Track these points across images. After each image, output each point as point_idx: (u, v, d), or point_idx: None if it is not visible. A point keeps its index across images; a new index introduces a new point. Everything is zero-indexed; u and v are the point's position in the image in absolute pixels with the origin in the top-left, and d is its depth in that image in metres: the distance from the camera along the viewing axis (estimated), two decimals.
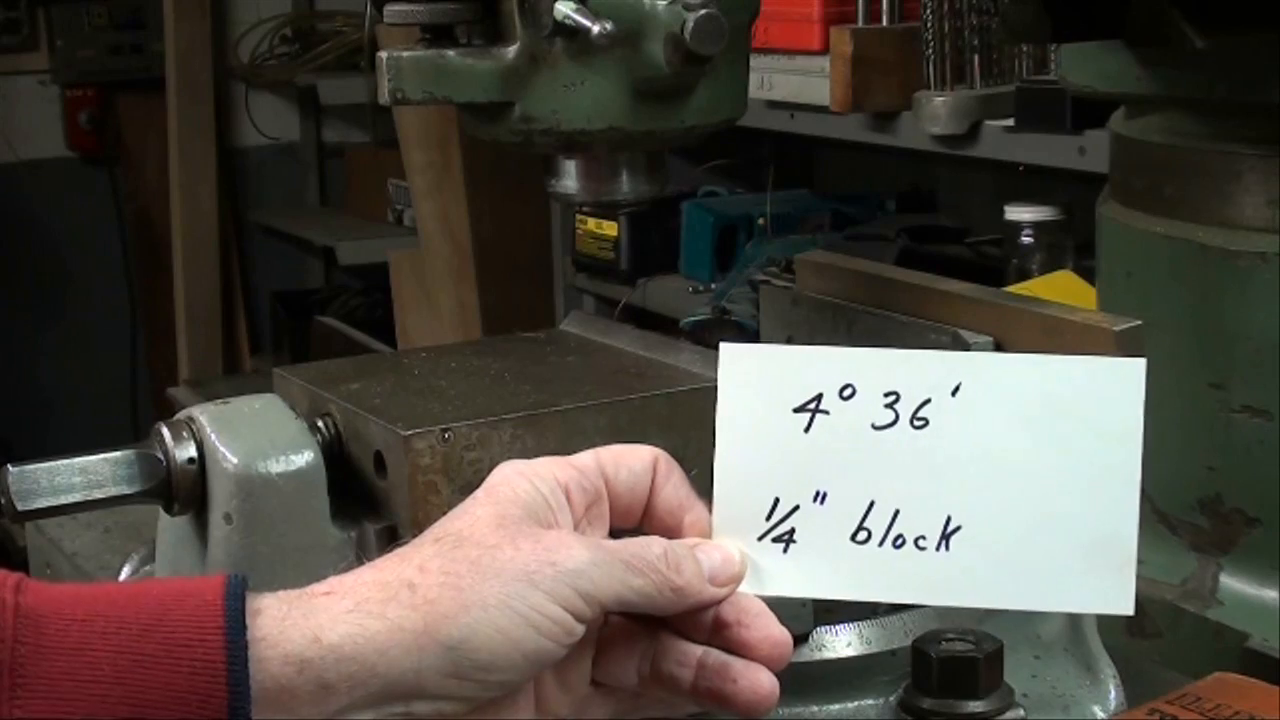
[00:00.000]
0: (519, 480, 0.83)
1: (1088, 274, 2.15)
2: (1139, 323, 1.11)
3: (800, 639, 1.06)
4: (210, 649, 0.73)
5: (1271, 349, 1.35)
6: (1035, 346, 1.15)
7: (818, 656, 1.06)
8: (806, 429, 0.85)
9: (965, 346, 1.14)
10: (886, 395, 0.85)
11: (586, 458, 0.86)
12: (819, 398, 0.85)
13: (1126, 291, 1.48)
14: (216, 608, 0.75)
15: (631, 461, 0.86)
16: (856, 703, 1.05)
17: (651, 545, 0.82)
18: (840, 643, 1.06)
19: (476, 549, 0.78)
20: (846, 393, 0.85)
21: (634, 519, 0.87)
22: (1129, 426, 0.83)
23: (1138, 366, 0.84)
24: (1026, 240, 2.65)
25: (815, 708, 1.05)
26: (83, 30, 4.67)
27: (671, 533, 0.86)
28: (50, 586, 0.76)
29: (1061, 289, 2.32)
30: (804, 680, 0.99)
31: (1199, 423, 1.41)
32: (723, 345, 0.87)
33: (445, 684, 0.75)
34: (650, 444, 1.04)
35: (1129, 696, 1.13)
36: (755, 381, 0.86)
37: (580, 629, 0.78)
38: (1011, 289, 2.32)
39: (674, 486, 0.87)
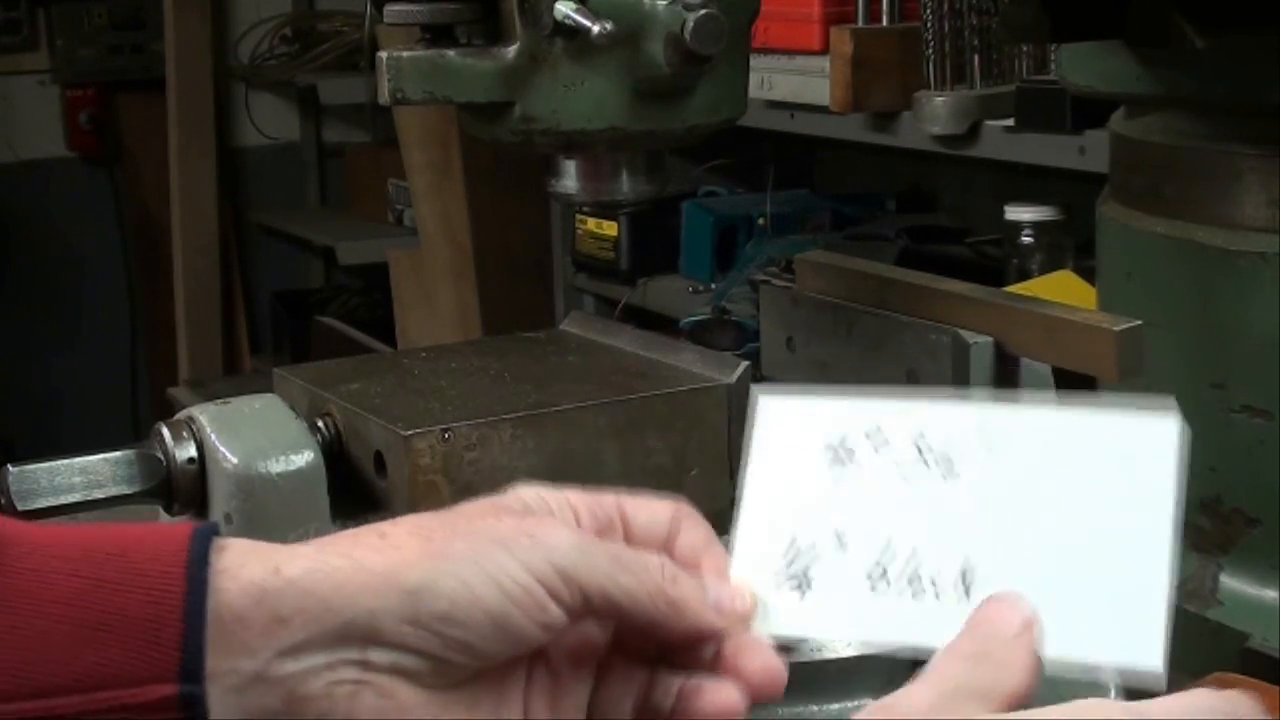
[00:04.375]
0: (526, 489, 0.81)
1: (1088, 274, 2.15)
2: (1139, 323, 1.11)
3: (800, 639, 1.06)
4: (170, 579, 0.72)
5: (1271, 349, 1.35)
6: (1035, 346, 1.15)
7: (818, 656, 1.06)
8: (835, 476, 0.85)
9: (965, 346, 1.14)
10: (917, 444, 0.84)
11: (606, 493, 0.84)
12: (850, 446, 0.84)
13: (1126, 291, 1.48)
14: (181, 542, 0.74)
15: (652, 505, 0.84)
16: (856, 702, 1.05)
17: (650, 555, 0.80)
18: (840, 643, 1.06)
19: (457, 516, 0.78)
20: (877, 441, 0.84)
21: None
22: (1162, 485, 0.81)
23: (1170, 426, 0.83)
24: (1026, 240, 2.65)
25: (815, 707, 1.05)
26: (83, 30, 4.67)
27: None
28: (23, 522, 0.76)
29: (1061, 289, 2.32)
30: (804, 680, 0.99)
31: (1199, 423, 1.40)
32: (759, 396, 0.86)
33: (401, 630, 0.73)
34: (650, 444, 1.05)
35: (1129, 696, 1.13)
36: (789, 430, 0.85)
37: (555, 611, 0.75)
38: (1011, 289, 2.32)
39: (694, 532, 0.84)
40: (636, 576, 0.77)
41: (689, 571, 0.82)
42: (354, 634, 0.74)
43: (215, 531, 0.75)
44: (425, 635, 0.74)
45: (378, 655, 0.74)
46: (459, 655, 0.74)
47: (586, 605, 0.77)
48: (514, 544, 0.75)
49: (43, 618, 0.71)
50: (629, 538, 0.82)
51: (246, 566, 0.74)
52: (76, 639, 0.71)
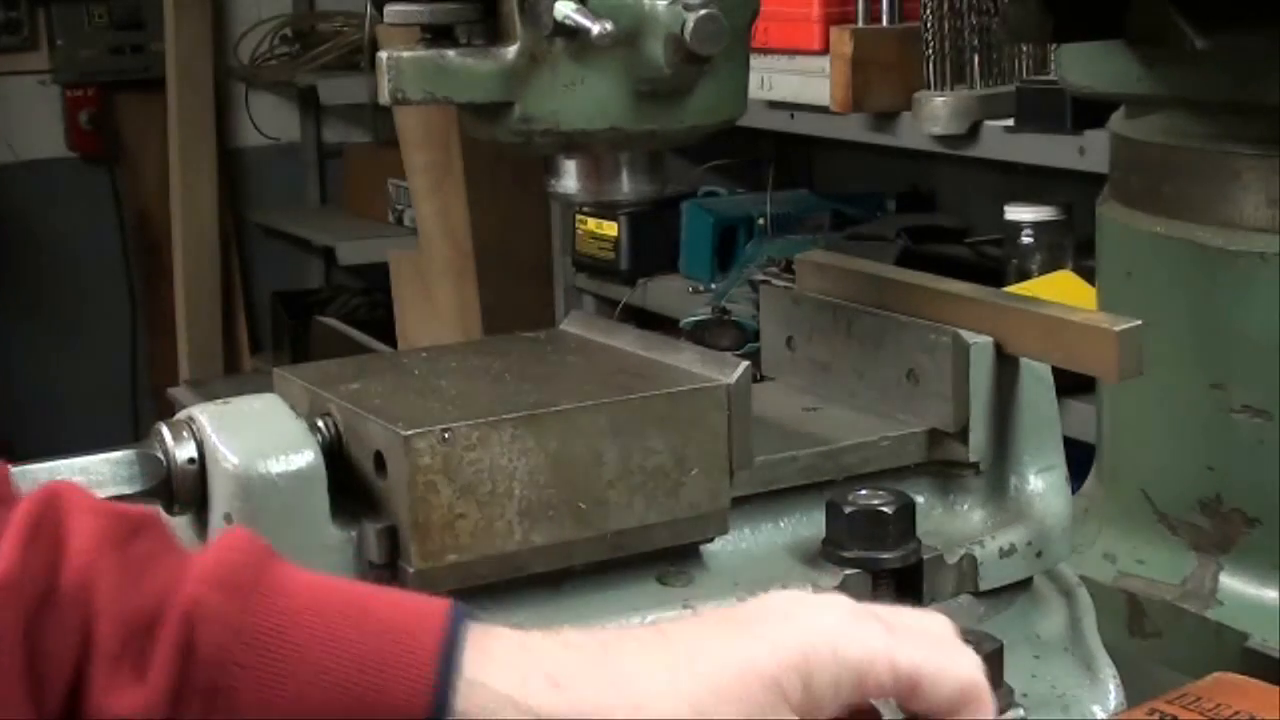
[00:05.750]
0: (819, 666, 0.76)
1: (1088, 274, 2.15)
2: (1139, 323, 1.11)
3: None
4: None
5: (1271, 349, 1.35)
6: (1035, 346, 1.15)
7: None
8: None
9: (965, 346, 1.14)
10: None
11: (900, 672, 0.78)
12: None
13: (1126, 291, 1.48)
14: (428, 675, 0.74)
15: (941, 687, 0.79)
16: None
17: None
18: None
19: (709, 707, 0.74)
20: None
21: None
22: None
23: None
24: (1026, 240, 2.66)
25: None
26: (83, 30, 4.67)
27: None
28: (286, 591, 0.77)
29: (1061, 289, 2.32)
30: None
31: (1199, 423, 1.41)
32: None
33: None
34: (650, 444, 1.05)
35: (1129, 696, 1.13)
36: None
37: None
38: (1011, 289, 2.32)
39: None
40: None
41: None
42: None
43: (460, 636, 0.75)
44: None
45: None
46: None
47: None
48: None
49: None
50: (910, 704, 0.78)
51: (492, 710, 0.74)
52: None
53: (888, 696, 0.78)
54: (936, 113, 2.71)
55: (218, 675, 0.73)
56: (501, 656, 0.75)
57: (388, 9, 1.09)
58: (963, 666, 0.79)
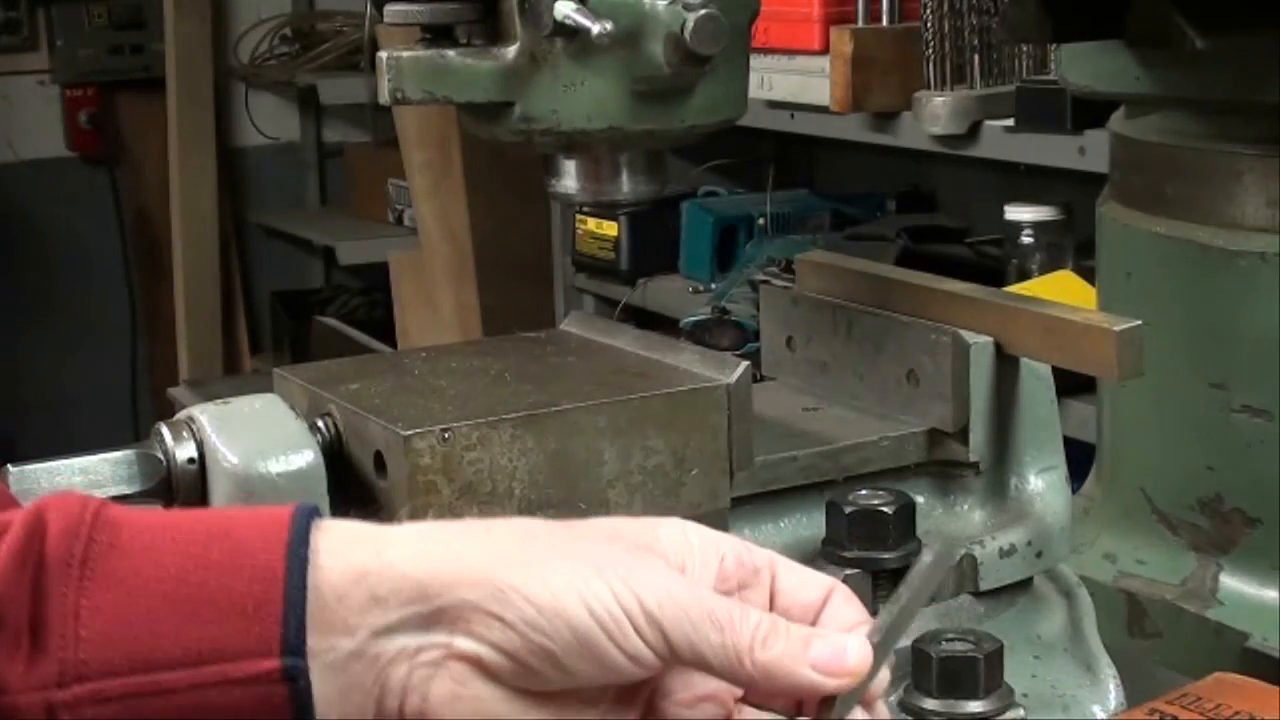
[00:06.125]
0: (680, 525, 0.80)
1: (1088, 274, 2.15)
2: (1139, 323, 1.11)
3: None
4: (272, 557, 0.74)
5: (1271, 349, 1.35)
6: (1035, 346, 1.15)
7: None
8: None
9: (965, 346, 1.14)
10: None
11: (761, 549, 0.82)
12: None
13: (1126, 291, 1.48)
14: (283, 522, 0.76)
15: (807, 573, 0.82)
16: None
17: (749, 613, 0.77)
18: None
19: (572, 531, 0.78)
20: None
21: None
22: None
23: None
24: (1026, 240, 2.66)
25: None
26: (83, 30, 4.67)
27: None
28: (132, 507, 0.78)
29: (1061, 289, 2.32)
30: None
31: (1199, 423, 1.41)
32: None
33: (489, 624, 0.74)
34: (650, 444, 1.05)
35: (1129, 696, 1.14)
36: None
37: (640, 645, 0.75)
38: (1011, 289, 2.32)
39: (844, 609, 0.81)
40: (724, 635, 0.76)
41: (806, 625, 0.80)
42: (444, 620, 0.75)
43: (317, 512, 0.77)
44: (510, 635, 0.75)
45: (462, 643, 0.75)
46: (543, 663, 0.75)
47: (673, 653, 0.76)
48: (609, 573, 0.75)
49: (152, 596, 0.74)
50: (774, 595, 0.81)
51: (350, 547, 0.76)
52: (184, 616, 0.73)
53: (757, 574, 0.80)
54: (936, 113, 2.71)
55: (72, 545, 0.74)
56: (347, 528, 0.78)
57: (388, 9, 1.09)
58: (818, 573, 0.83)
